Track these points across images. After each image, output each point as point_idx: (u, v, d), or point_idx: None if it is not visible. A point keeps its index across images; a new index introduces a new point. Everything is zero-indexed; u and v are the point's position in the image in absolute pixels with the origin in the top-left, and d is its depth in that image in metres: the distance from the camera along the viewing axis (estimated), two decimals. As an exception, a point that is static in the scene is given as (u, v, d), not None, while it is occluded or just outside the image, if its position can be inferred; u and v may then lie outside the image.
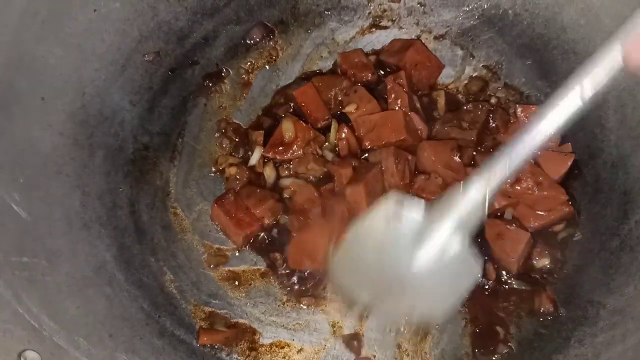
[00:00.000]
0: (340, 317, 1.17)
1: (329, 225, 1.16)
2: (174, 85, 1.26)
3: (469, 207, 0.87)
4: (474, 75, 1.32)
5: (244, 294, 1.19)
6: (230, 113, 1.31)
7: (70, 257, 1.03)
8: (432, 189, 1.16)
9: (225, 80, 1.32)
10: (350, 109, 1.22)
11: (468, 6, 1.30)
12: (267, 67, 1.34)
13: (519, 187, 1.14)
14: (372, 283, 0.99)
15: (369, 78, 1.28)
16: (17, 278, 0.93)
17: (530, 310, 1.13)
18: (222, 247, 1.23)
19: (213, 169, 1.27)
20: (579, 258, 1.15)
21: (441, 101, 1.29)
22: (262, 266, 1.21)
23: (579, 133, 1.20)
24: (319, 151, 1.23)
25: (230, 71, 1.33)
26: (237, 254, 1.22)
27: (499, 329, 1.13)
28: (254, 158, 1.25)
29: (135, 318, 1.09)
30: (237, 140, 1.28)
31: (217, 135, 1.29)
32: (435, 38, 1.34)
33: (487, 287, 1.14)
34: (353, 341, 1.15)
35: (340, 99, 1.27)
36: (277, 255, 1.19)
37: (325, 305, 1.18)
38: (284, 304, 1.18)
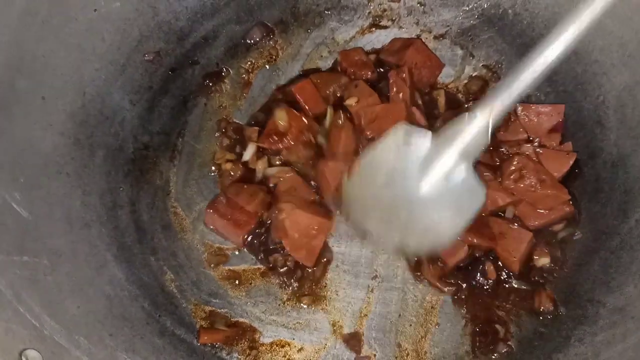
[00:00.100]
0: (341, 317, 1.17)
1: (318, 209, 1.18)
2: (174, 84, 1.27)
3: (474, 134, 0.91)
4: (473, 74, 1.32)
5: (244, 293, 1.20)
6: (231, 112, 1.31)
7: (71, 256, 1.04)
8: None
9: (226, 80, 1.32)
10: (350, 102, 1.22)
11: (468, 6, 1.30)
12: (267, 66, 1.34)
13: (522, 185, 1.14)
14: (383, 208, 1.04)
15: (369, 76, 1.28)
16: (18, 277, 0.93)
17: (530, 309, 1.14)
18: (222, 246, 1.23)
19: (213, 168, 1.27)
20: (579, 257, 1.16)
21: (441, 100, 1.29)
22: (262, 265, 1.21)
23: (579, 133, 1.21)
24: (313, 139, 1.23)
25: (231, 71, 1.33)
26: (237, 253, 1.22)
27: (499, 327, 1.13)
28: (248, 154, 1.24)
29: (135, 317, 1.09)
30: (236, 137, 1.28)
31: (217, 134, 1.29)
32: (435, 38, 1.34)
33: (487, 286, 1.15)
34: (353, 340, 1.16)
35: (338, 95, 1.27)
36: (277, 256, 1.19)
37: (326, 305, 1.18)
38: (284, 303, 1.19)
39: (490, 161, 1.20)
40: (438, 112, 1.28)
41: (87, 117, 1.12)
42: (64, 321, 0.96)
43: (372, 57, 1.33)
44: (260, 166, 1.23)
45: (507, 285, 1.15)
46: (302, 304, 1.18)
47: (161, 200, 1.24)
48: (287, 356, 1.16)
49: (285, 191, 1.17)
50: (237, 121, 1.30)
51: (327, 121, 1.24)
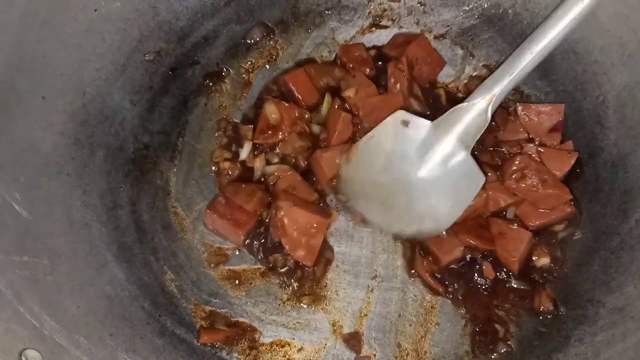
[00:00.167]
0: (341, 317, 1.17)
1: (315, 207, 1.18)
2: (174, 84, 1.27)
3: (473, 117, 0.93)
4: (474, 74, 1.32)
5: (244, 293, 1.20)
6: (231, 112, 1.31)
7: (71, 256, 1.04)
8: None
9: (226, 80, 1.32)
10: (349, 93, 1.22)
11: (468, 5, 1.30)
12: (267, 66, 1.34)
13: (523, 185, 1.14)
14: (381, 193, 1.05)
15: (367, 73, 1.28)
16: (18, 277, 0.93)
17: (530, 309, 1.14)
18: (222, 246, 1.23)
19: (214, 168, 1.27)
20: (579, 257, 1.16)
21: (443, 99, 1.29)
22: (262, 265, 1.21)
23: (579, 132, 1.21)
24: (307, 128, 1.23)
25: (231, 70, 1.33)
26: (237, 253, 1.22)
27: (498, 327, 1.13)
28: (244, 152, 1.25)
29: (135, 317, 1.09)
30: (233, 136, 1.28)
31: (217, 134, 1.29)
32: (436, 37, 1.34)
33: (485, 286, 1.14)
34: (353, 340, 1.16)
35: (332, 85, 1.27)
36: (278, 256, 1.18)
37: (326, 305, 1.18)
38: (284, 303, 1.19)
39: (491, 161, 1.20)
40: (440, 105, 1.28)
41: (87, 117, 1.12)
42: (64, 321, 0.96)
43: (373, 52, 1.33)
44: (258, 164, 1.23)
45: (506, 285, 1.15)
46: (302, 304, 1.18)
47: (161, 200, 1.24)
48: (287, 356, 1.16)
49: (284, 190, 1.17)
50: (237, 121, 1.31)
51: (324, 108, 1.24)
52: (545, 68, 1.24)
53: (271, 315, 1.18)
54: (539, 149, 1.18)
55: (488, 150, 1.21)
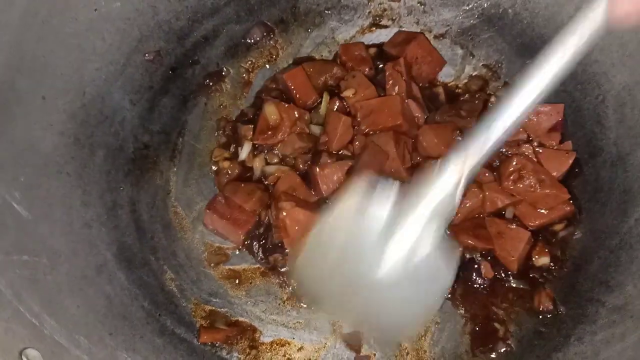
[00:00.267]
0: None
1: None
2: (174, 84, 1.27)
3: (444, 191, 0.79)
4: (474, 74, 1.32)
5: (244, 293, 1.20)
6: (231, 112, 1.31)
7: (71, 256, 1.04)
8: None
9: (226, 80, 1.32)
10: (348, 93, 1.22)
11: (468, 5, 1.30)
12: (267, 66, 1.34)
13: (521, 185, 1.14)
14: (337, 290, 0.91)
15: (366, 72, 1.28)
16: (18, 277, 0.93)
17: (529, 309, 1.14)
18: (222, 245, 1.23)
19: (214, 168, 1.27)
20: (579, 256, 1.16)
21: (442, 97, 1.29)
22: (262, 265, 1.21)
23: (578, 132, 1.21)
24: (306, 129, 1.23)
25: (231, 70, 1.33)
26: (237, 253, 1.22)
27: (498, 326, 1.13)
28: (244, 152, 1.24)
29: (135, 317, 1.09)
30: (232, 136, 1.28)
31: (217, 134, 1.29)
32: (435, 37, 1.34)
33: (483, 285, 1.14)
34: (353, 339, 1.16)
35: (330, 83, 1.27)
36: (278, 256, 1.18)
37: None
38: (284, 303, 1.19)
39: (489, 162, 1.19)
40: (438, 104, 1.28)
41: (87, 117, 1.12)
42: (64, 320, 0.96)
43: (373, 50, 1.33)
44: (258, 164, 1.23)
45: (505, 285, 1.15)
46: (302, 304, 1.18)
47: (161, 200, 1.24)
48: (287, 355, 1.16)
49: (284, 191, 1.17)
50: (236, 121, 1.31)
51: (322, 108, 1.24)
52: (545, 68, 1.25)
53: (271, 314, 1.18)
54: (537, 149, 1.18)
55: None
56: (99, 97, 1.14)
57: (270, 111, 1.21)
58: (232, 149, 1.27)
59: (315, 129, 1.24)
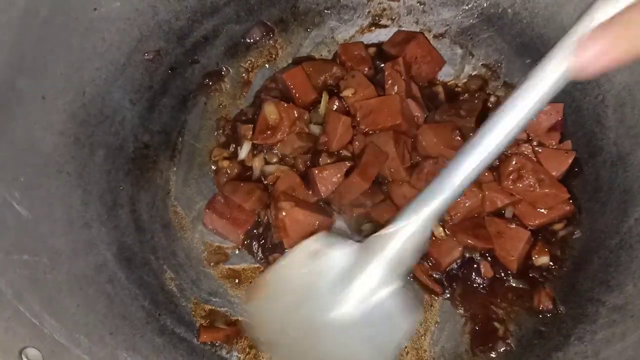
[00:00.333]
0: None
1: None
2: (174, 84, 1.27)
3: (401, 248, 0.78)
4: (473, 73, 1.32)
5: (244, 292, 1.20)
6: (230, 112, 1.32)
7: (71, 255, 1.04)
8: None
9: (225, 79, 1.32)
10: (347, 93, 1.22)
11: (467, 5, 1.31)
12: (267, 65, 1.34)
13: (520, 185, 1.14)
14: (293, 336, 0.89)
15: (366, 72, 1.28)
16: (19, 276, 0.93)
17: (529, 308, 1.14)
18: (222, 245, 1.23)
19: (214, 167, 1.27)
20: (579, 256, 1.16)
21: (441, 97, 1.30)
22: (262, 265, 1.21)
23: (578, 132, 1.21)
24: (306, 129, 1.23)
25: (230, 70, 1.33)
26: (237, 252, 1.22)
27: (497, 326, 1.13)
28: (243, 152, 1.25)
29: (135, 316, 1.09)
30: (232, 135, 1.28)
31: (216, 133, 1.29)
32: (435, 37, 1.34)
33: (484, 285, 1.15)
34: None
35: (330, 83, 1.27)
36: (278, 255, 1.18)
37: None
38: (284, 302, 1.19)
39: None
40: (437, 103, 1.28)
41: (87, 117, 1.12)
42: (64, 320, 0.96)
43: (372, 50, 1.33)
44: (257, 164, 1.23)
45: (505, 284, 1.15)
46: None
47: (161, 200, 1.24)
48: (287, 355, 1.16)
49: (284, 191, 1.17)
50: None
51: (322, 107, 1.24)
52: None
53: (271, 314, 1.18)
54: (537, 148, 1.18)
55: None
56: (99, 96, 1.14)
57: (270, 111, 1.21)
58: (231, 148, 1.27)
59: (315, 129, 1.24)
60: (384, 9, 1.35)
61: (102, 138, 1.15)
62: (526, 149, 1.18)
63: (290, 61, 1.34)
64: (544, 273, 1.16)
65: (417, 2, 1.34)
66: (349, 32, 1.36)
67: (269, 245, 1.18)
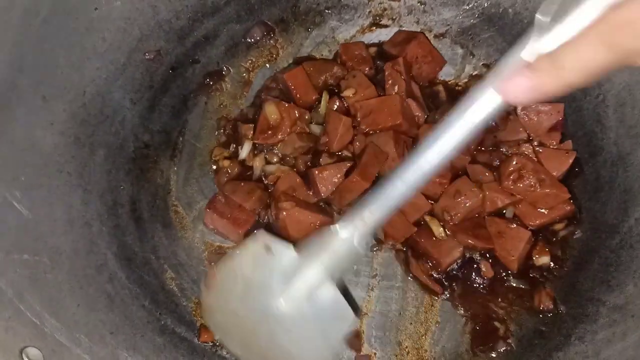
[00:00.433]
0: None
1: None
2: (174, 83, 1.27)
3: (338, 251, 0.81)
4: (474, 73, 1.32)
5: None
6: (231, 111, 1.31)
7: (72, 255, 1.04)
8: (442, 172, 1.16)
9: (226, 79, 1.32)
10: (348, 93, 1.22)
11: (468, 5, 1.31)
12: (267, 65, 1.34)
13: (521, 185, 1.14)
14: (242, 327, 0.92)
15: (366, 72, 1.27)
16: (19, 276, 0.93)
17: (530, 308, 1.14)
18: (222, 244, 1.23)
19: (214, 167, 1.27)
20: (579, 255, 1.16)
21: (442, 96, 1.29)
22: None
23: (579, 132, 1.21)
24: (306, 129, 1.23)
25: (231, 70, 1.33)
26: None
27: (498, 325, 1.13)
28: (244, 152, 1.24)
29: (136, 316, 1.09)
30: (232, 135, 1.28)
31: (217, 133, 1.30)
32: (436, 37, 1.34)
33: (484, 285, 1.15)
34: (354, 339, 1.16)
35: (331, 82, 1.27)
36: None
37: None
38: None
39: (489, 162, 1.20)
40: (438, 103, 1.28)
41: (87, 117, 1.12)
42: (64, 319, 0.96)
43: (373, 50, 1.33)
44: (258, 163, 1.23)
45: (505, 284, 1.15)
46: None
47: (162, 199, 1.24)
48: (287, 355, 1.16)
49: (284, 191, 1.17)
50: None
51: (322, 107, 1.24)
52: (545, 67, 1.25)
53: (272, 314, 1.18)
54: (537, 148, 1.18)
55: (487, 150, 1.21)
56: (100, 96, 1.14)
57: (271, 111, 1.21)
58: (231, 148, 1.27)
59: (316, 129, 1.24)
60: (385, 9, 1.35)
61: (102, 138, 1.15)
62: (527, 149, 1.18)
63: (291, 61, 1.34)
64: (545, 273, 1.16)
65: (418, 2, 1.34)
66: (350, 32, 1.35)
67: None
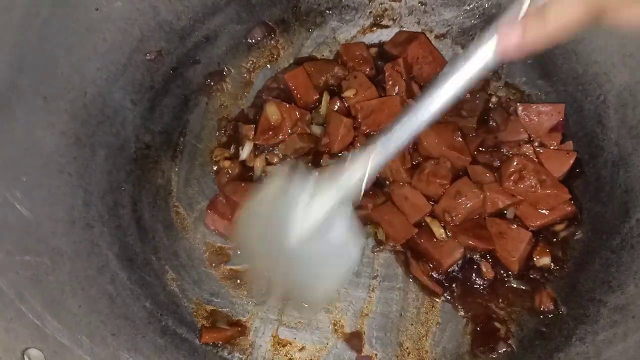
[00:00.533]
0: (342, 316, 1.17)
1: None
2: (175, 84, 1.27)
3: (352, 178, 0.87)
4: (474, 74, 1.32)
5: (245, 293, 1.20)
6: (232, 112, 1.31)
7: (73, 256, 1.04)
8: (443, 173, 1.16)
9: (227, 79, 1.32)
10: (349, 94, 1.22)
11: (469, 5, 1.31)
12: (268, 66, 1.34)
13: (522, 185, 1.14)
14: (264, 252, 0.99)
15: (367, 72, 1.27)
16: (21, 277, 0.93)
17: (530, 309, 1.14)
18: (223, 245, 1.23)
19: (215, 168, 1.27)
20: (580, 256, 1.16)
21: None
22: (263, 265, 1.22)
23: (579, 132, 1.21)
24: (307, 129, 1.23)
25: (232, 70, 1.33)
26: (238, 253, 1.22)
27: (499, 326, 1.13)
28: (245, 152, 1.24)
29: (137, 317, 1.09)
30: (233, 135, 1.28)
31: (218, 133, 1.29)
32: (436, 37, 1.34)
33: (484, 285, 1.15)
34: (354, 339, 1.16)
35: (332, 83, 1.27)
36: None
37: (328, 304, 1.18)
38: (285, 303, 1.19)
39: (490, 162, 1.20)
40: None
41: (88, 117, 1.12)
42: (66, 320, 0.96)
43: (374, 50, 1.33)
44: (259, 164, 1.23)
45: (506, 285, 1.15)
46: (303, 304, 1.18)
47: (163, 200, 1.24)
48: (288, 355, 1.16)
49: None
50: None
51: (323, 107, 1.24)
52: (546, 68, 1.25)
53: (272, 314, 1.18)
54: (538, 149, 1.18)
55: (488, 151, 1.21)
56: (100, 97, 1.14)
57: (272, 111, 1.21)
58: (232, 148, 1.27)
59: (316, 129, 1.24)
60: (386, 10, 1.35)
61: (103, 138, 1.15)
62: (527, 149, 1.18)
63: (291, 61, 1.34)
64: (545, 274, 1.16)
65: (419, 3, 1.34)
66: (351, 33, 1.35)
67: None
